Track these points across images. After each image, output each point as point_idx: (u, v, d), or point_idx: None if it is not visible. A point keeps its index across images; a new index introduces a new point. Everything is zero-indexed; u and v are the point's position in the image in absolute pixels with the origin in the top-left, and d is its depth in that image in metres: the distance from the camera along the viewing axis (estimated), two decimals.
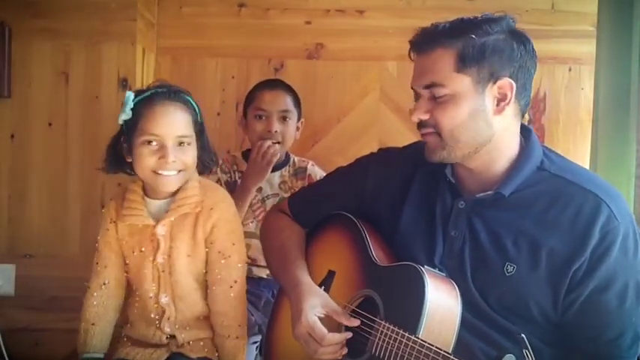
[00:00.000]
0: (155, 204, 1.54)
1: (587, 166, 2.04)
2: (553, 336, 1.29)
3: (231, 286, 1.53)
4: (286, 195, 2.06)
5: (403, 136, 2.33)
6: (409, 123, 2.38)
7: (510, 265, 1.27)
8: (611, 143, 1.96)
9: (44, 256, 2.29)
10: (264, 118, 2.08)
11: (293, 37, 2.43)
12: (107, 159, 1.55)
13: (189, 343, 1.55)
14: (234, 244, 1.54)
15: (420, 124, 1.33)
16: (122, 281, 1.60)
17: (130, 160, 1.51)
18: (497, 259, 1.29)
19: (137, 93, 1.50)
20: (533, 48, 1.32)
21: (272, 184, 2.13)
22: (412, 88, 1.35)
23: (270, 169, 2.05)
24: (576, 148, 2.31)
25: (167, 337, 1.55)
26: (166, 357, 1.54)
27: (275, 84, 2.17)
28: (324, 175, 2.10)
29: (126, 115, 1.47)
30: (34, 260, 2.29)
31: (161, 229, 1.51)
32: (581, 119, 2.36)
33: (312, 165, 2.20)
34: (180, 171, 1.48)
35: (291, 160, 2.19)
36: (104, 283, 1.58)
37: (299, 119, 2.16)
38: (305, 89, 2.25)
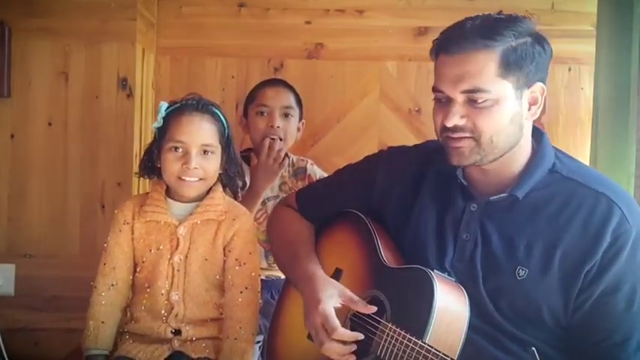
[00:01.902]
0: (178, 206, 1.61)
1: None
2: (563, 341, 1.29)
3: (241, 292, 1.57)
4: None
5: (403, 136, 2.33)
6: (409, 123, 2.41)
7: (522, 269, 1.27)
8: (610, 143, 1.96)
9: (44, 256, 2.29)
10: (266, 114, 2.08)
11: (293, 37, 2.43)
12: (141, 164, 1.66)
13: (192, 340, 1.56)
14: (250, 254, 1.61)
15: (451, 129, 1.27)
16: (129, 282, 1.63)
17: (158, 166, 1.61)
18: (508, 262, 1.28)
19: (170, 103, 1.61)
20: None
21: (272, 186, 2.11)
22: (439, 90, 1.29)
23: (281, 170, 2.04)
24: (576, 148, 2.31)
25: (172, 332, 1.57)
26: (167, 355, 1.55)
27: (277, 82, 2.19)
28: (324, 174, 2.11)
29: (158, 123, 1.59)
30: (34, 260, 2.29)
31: (182, 230, 1.57)
32: (580, 119, 2.36)
33: (312, 164, 2.19)
34: (201, 179, 1.56)
35: (290, 159, 2.18)
36: (112, 284, 1.60)
37: (300, 119, 2.15)
38: (305, 89, 2.25)
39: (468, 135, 1.26)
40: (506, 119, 1.26)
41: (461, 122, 1.26)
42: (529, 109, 1.29)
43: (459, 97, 1.26)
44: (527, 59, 1.25)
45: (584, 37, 2.31)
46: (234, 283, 1.58)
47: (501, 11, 1.30)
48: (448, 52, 1.26)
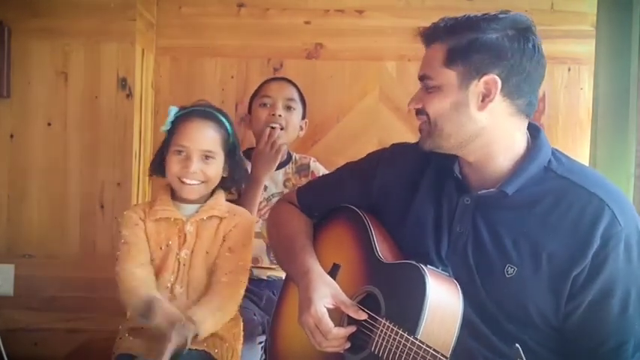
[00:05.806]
0: (184, 207, 1.69)
1: None
2: (554, 341, 1.28)
3: (225, 273, 1.64)
4: None
5: (403, 136, 2.31)
6: (409, 123, 2.40)
7: (511, 267, 1.26)
8: (610, 143, 1.96)
9: (44, 256, 2.29)
10: (268, 105, 2.10)
11: (292, 37, 2.43)
12: (152, 163, 1.75)
13: None
14: (244, 245, 1.69)
15: (417, 112, 1.38)
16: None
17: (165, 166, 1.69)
18: (498, 259, 1.28)
19: (180, 108, 1.70)
20: (535, 47, 1.29)
21: (276, 183, 2.14)
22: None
23: (279, 157, 2.05)
24: (575, 148, 2.31)
25: None
26: None
27: (281, 78, 2.23)
28: (327, 171, 2.11)
29: (166, 126, 1.69)
30: (34, 260, 2.29)
31: (189, 227, 1.66)
32: (580, 119, 2.36)
33: (314, 161, 2.21)
34: (202, 182, 1.65)
35: (293, 157, 2.20)
36: (142, 263, 1.64)
37: (303, 117, 2.17)
38: (304, 89, 2.24)
39: (425, 118, 1.35)
40: (446, 105, 1.30)
41: (417, 106, 1.36)
42: (482, 101, 1.29)
43: (421, 85, 1.36)
44: (481, 51, 1.26)
45: (583, 37, 2.31)
46: (221, 266, 1.65)
47: (495, 12, 1.30)
48: (423, 44, 1.38)
